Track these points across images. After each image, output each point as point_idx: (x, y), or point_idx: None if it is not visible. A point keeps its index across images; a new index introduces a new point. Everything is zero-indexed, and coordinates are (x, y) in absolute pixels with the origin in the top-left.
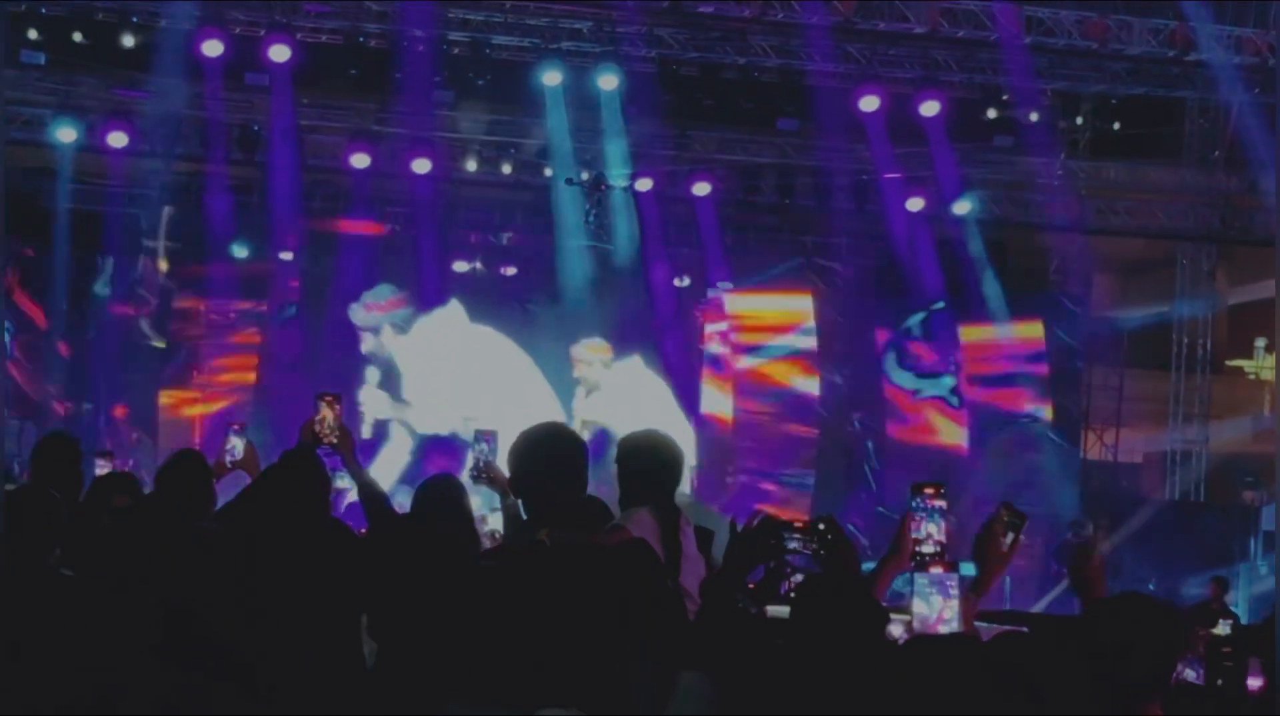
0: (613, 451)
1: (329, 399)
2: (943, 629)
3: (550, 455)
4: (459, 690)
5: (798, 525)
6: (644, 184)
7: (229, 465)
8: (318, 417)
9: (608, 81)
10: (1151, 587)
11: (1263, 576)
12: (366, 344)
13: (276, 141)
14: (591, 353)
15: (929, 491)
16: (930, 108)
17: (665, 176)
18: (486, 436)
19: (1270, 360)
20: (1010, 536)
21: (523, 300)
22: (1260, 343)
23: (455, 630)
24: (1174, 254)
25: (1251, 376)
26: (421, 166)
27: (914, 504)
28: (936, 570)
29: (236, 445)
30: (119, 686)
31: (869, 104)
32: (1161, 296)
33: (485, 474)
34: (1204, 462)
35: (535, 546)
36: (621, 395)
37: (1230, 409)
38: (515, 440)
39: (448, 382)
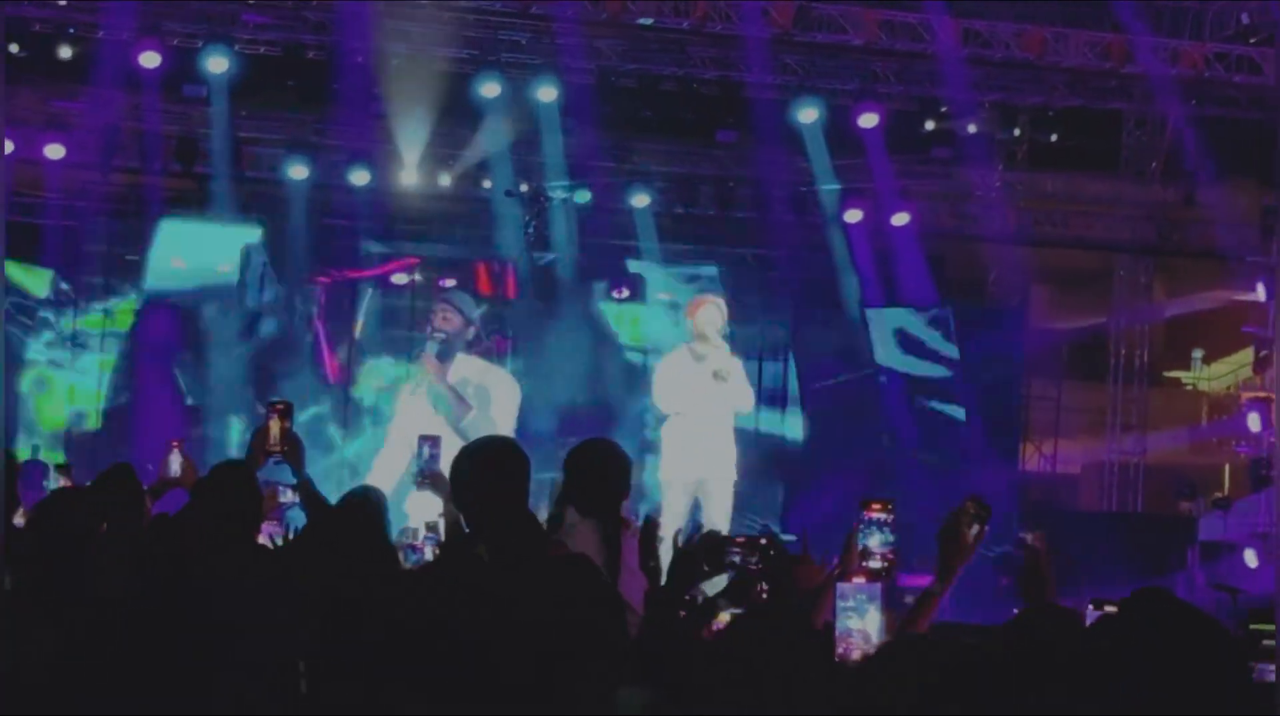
0: None
1: (279, 408)
2: (875, 640)
3: (492, 470)
4: (387, 706)
5: (740, 540)
6: (582, 196)
7: (168, 482)
8: (266, 427)
9: (546, 93)
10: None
11: (1200, 587)
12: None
13: (215, 153)
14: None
15: (876, 507)
16: (868, 119)
17: (604, 188)
18: (430, 441)
19: (1208, 371)
20: (975, 528)
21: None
22: (1197, 354)
23: (382, 644)
24: (1111, 265)
25: (1189, 387)
26: (359, 178)
27: (861, 518)
28: (859, 579)
29: (175, 462)
30: (52, 702)
31: (808, 115)
32: (1099, 308)
33: (428, 479)
34: (1141, 473)
35: (472, 560)
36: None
37: (1167, 420)
38: (457, 454)
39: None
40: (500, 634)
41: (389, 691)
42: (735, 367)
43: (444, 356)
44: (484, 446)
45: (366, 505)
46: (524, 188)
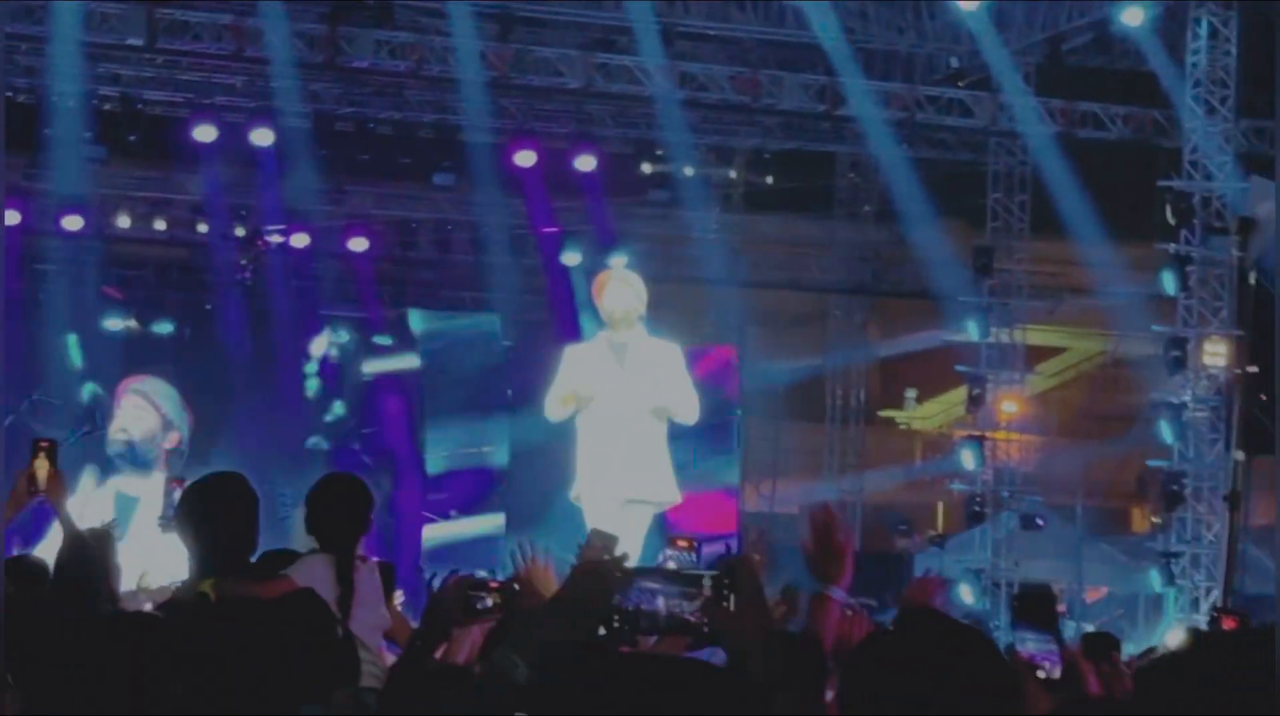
0: None
1: (45, 446)
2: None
3: (215, 507)
4: None
5: (492, 584)
6: (300, 239)
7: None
8: (33, 468)
9: (262, 137)
10: None
11: None
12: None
13: None
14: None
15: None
16: (585, 162)
17: (322, 232)
18: (176, 484)
19: (921, 410)
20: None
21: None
22: (910, 393)
23: (100, 688)
24: (827, 307)
25: (903, 426)
26: (73, 223)
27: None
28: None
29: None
30: None
31: (524, 159)
32: (815, 349)
33: (174, 523)
34: (859, 512)
35: (197, 600)
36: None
37: (883, 459)
38: (183, 492)
39: None
40: (220, 673)
41: None
42: (655, 356)
43: (132, 464)
44: (208, 483)
45: (93, 546)
46: (240, 232)
